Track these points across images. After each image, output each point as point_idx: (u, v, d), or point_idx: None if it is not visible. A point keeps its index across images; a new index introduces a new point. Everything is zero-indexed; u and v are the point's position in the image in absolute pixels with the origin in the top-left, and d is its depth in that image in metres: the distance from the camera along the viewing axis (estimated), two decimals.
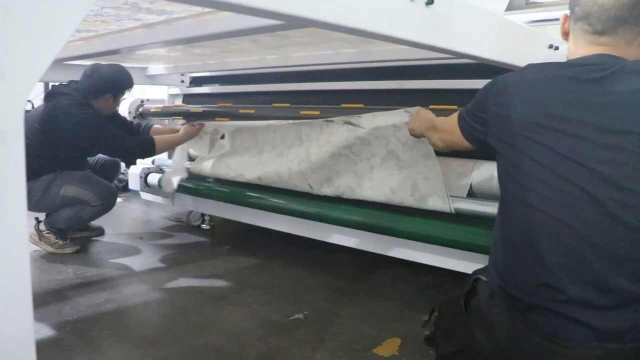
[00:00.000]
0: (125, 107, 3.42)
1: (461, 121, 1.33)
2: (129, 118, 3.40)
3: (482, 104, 1.23)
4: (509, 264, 1.18)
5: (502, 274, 1.19)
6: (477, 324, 1.26)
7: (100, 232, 3.31)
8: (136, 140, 2.86)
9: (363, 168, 2.28)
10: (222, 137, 3.00)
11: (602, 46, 1.12)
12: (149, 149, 2.85)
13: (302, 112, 2.54)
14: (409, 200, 2.14)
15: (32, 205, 2.83)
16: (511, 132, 1.13)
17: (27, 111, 4.95)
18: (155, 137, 2.87)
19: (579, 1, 1.14)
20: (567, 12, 1.21)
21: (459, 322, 1.33)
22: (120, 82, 2.84)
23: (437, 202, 2.06)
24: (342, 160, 2.33)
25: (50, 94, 2.84)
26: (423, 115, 1.77)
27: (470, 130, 1.30)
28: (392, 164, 2.18)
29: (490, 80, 1.24)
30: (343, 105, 2.49)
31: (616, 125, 1.02)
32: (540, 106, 1.09)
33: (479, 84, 1.65)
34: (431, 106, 1.95)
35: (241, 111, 2.85)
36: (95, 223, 3.28)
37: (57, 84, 2.96)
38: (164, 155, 3.43)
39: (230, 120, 2.94)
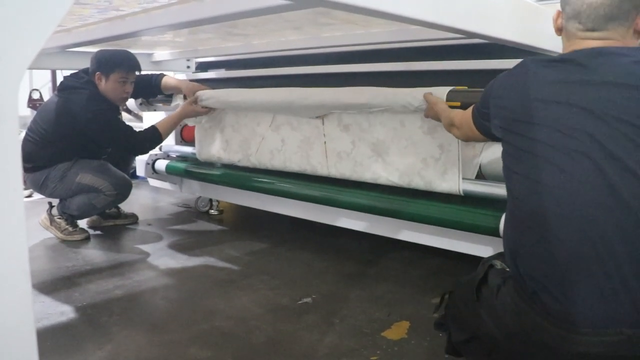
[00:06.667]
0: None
1: (474, 117, 1.39)
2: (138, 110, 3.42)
3: (485, 100, 1.29)
4: (518, 246, 1.18)
5: (513, 255, 1.19)
6: (486, 313, 1.25)
7: (134, 219, 3.33)
8: (144, 134, 2.84)
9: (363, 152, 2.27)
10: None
11: (595, 40, 1.15)
12: (157, 139, 2.86)
13: None
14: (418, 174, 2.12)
15: (49, 192, 2.90)
16: (510, 118, 1.18)
17: (37, 100, 5.01)
18: (157, 124, 2.86)
19: (569, 0, 1.18)
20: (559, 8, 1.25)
21: (470, 310, 1.32)
22: (117, 60, 2.79)
23: (450, 179, 2.03)
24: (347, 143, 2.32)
25: (64, 87, 2.84)
26: (439, 108, 1.80)
27: (480, 125, 1.36)
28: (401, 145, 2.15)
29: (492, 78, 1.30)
30: None
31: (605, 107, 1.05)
32: (534, 91, 1.13)
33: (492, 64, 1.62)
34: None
35: None
36: (128, 210, 3.33)
37: (67, 74, 2.95)
38: (172, 142, 3.43)
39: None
